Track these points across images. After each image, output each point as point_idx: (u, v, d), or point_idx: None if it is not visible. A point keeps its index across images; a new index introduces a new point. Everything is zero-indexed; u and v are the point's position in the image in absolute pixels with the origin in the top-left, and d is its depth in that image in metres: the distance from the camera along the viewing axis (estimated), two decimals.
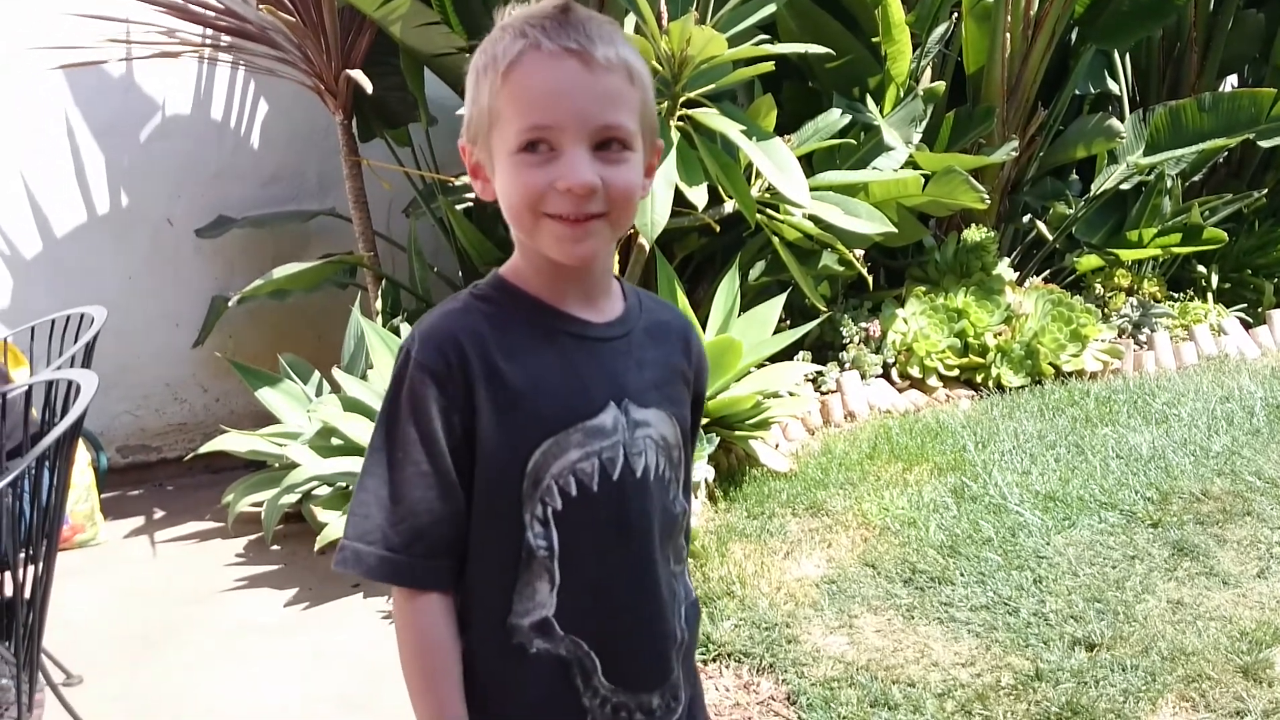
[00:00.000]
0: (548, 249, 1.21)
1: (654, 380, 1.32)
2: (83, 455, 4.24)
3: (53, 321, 3.32)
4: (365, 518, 1.23)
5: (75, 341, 3.12)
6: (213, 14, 4.52)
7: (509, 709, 1.27)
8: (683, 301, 4.33)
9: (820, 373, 4.81)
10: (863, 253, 4.81)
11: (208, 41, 4.74)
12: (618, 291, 1.34)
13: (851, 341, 4.96)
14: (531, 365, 1.23)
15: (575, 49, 1.17)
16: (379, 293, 4.73)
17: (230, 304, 4.67)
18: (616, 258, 4.53)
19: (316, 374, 4.49)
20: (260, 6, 4.23)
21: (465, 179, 4.94)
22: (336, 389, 4.14)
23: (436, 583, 1.23)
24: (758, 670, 2.87)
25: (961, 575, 3.22)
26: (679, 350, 1.39)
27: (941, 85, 5.19)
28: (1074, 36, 5.89)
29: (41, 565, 2.33)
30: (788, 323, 4.71)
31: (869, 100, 5.05)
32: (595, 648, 1.26)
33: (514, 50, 1.18)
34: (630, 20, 4.09)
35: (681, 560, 1.38)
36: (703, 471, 3.80)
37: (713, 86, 4.09)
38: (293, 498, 3.94)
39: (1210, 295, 6.05)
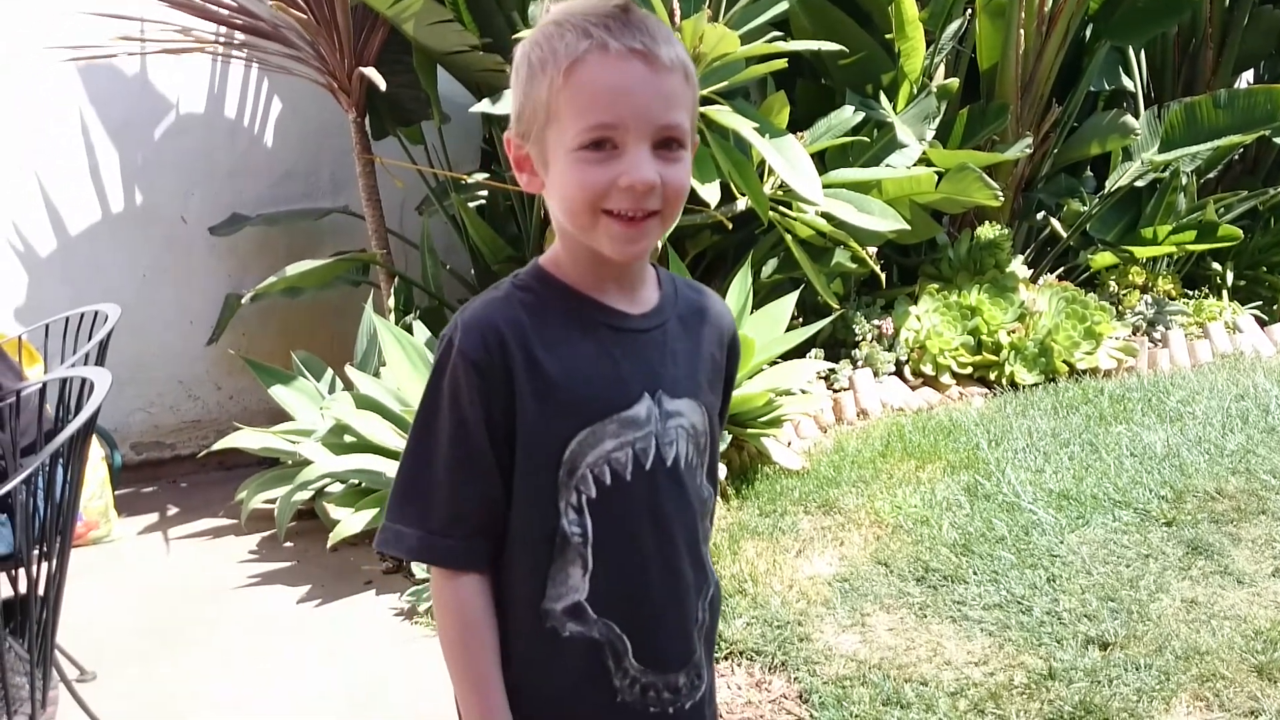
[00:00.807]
0: (603, 245, 1.23)
1: (687, 369, 1.35)
2: (97, 452, 4.26)
3: (66, 319, 3.34)
4: (406, 500, 1.28)
5: (89, 339, 3.14)
6: (226, 11, 4.53)
7: (544, 690, 1.30)
8: None
9: (833, 370, 4.80)
10: (876, 250, 4.80)
11: (221, 39, 4.75)
12: (654, 280, 1.37)
13: (864, 339, 4.95)
14: (569, 356, 1.26)
15: (640, 49, 1.18)
16: (392, 290, 4.74)
17: (244, 302, 4.68)
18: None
19: (330, 371, 4.50)
20: (273, 5, 4.24)
21: (478, 176, 4.99)
22: (349, 386, 4.15)
23: (474, 564, 1.27)
24: (770, 669, 2.87)
25: (974, 574, 3.21)
26: (713, 336, 1.41)
27: (955, 82, 5.17)
28: (1088, 33, 5.86)
29: (55, 562, 2.34)
30: (800, 320, 4.70)
31: (882, 97, 5.03)
32: (626, 630, 1.30)
33: (579, 49, 1.18)
34: None
35: (707, 541, 1.42)
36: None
37: (725, 84, 4.08)
38: (305, 495, 3.95)
39: (1225, 293, 6.02)
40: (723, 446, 3.83)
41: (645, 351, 1.31)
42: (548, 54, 1.21)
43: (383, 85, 4.06)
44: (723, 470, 3.88)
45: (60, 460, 2.25)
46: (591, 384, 1.27)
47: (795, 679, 2.80)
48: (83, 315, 3.30)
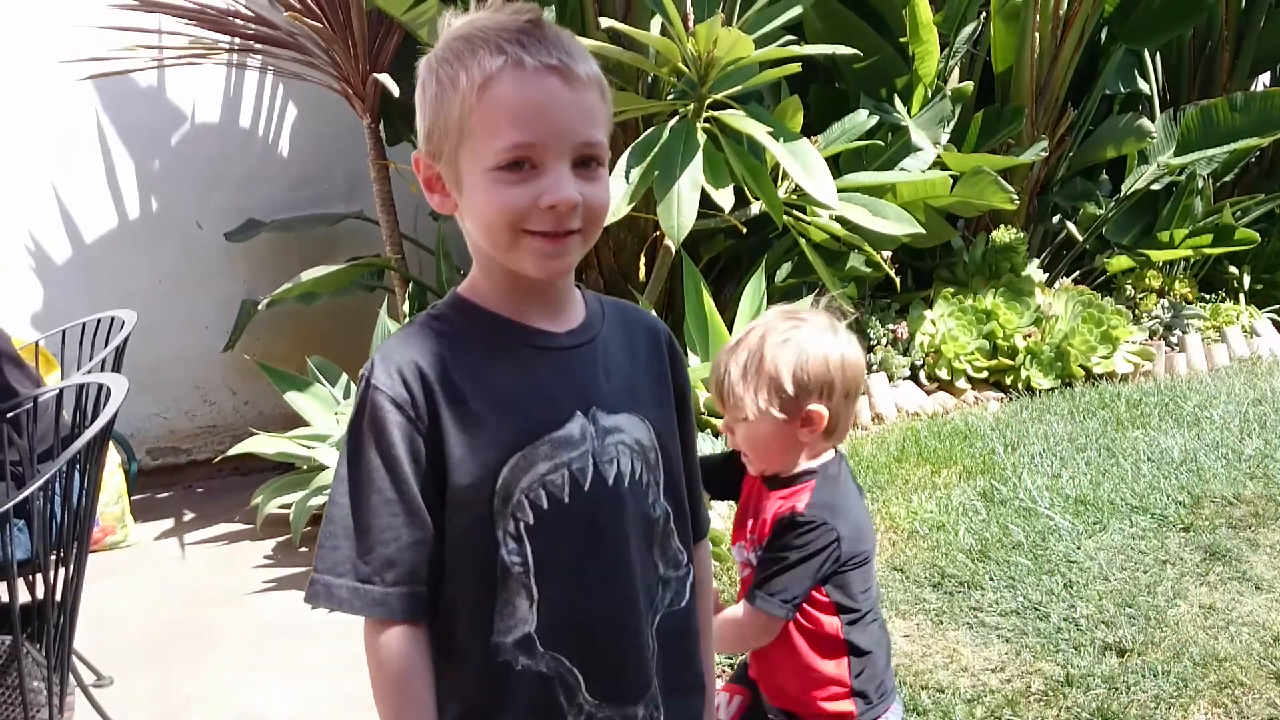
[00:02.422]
0: (525, 266, 1.20)
1: (624, 384, 1.31)
2: (113, 458, 4.27)
3: (83, 325, 3.35)
4: (334, 549, 1.21)
5: (106, 345, 3.15)
6: (241, 21, 4.54)
7: None
8: (709, 303, 4.32)
9: None
10: (890, 254, 4.79)
11: (236, 46, 4.77)
12: (579, 299, 1.33)
13: (879, 343, 4.94)
14: (493, 381, 1.23)
15: (557, 65, 1.16)
16: (406, 295, 4.75)
17: (259, 308, 4.69)
18: (643, 260, 4.53)
19: (344, 376, 4.50)
20: (287, 15, 4.26)
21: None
22: None
23: (409, 612, 1.21)
24: None
25: (991, 580, 3.19)
26: (650, 347, 1.38)
27: (970, 85, 5.16)
28: (1104, 35, 5.85)
29: (72, 568, 2.35)
30: None
31: (896, 101, 5.02)
32: (577, 663, 1.26)
33: (492, 66, 1.15)
34: (656, 22, 4.09)
35: (679, 564, 1.37)
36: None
37: (739, 88, 4.08)
38: (321, 499, 3.95)
39: (1242, 296, 5.99)
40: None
41: (574, 369, 1.28)
42: (458, 71, 1.17)
43: (396, 91, 4.07)
44: None
45: (77, 466, 2.26)
46: (518, 407, 1.23)
47: None
48: (99, 321, 3.32)
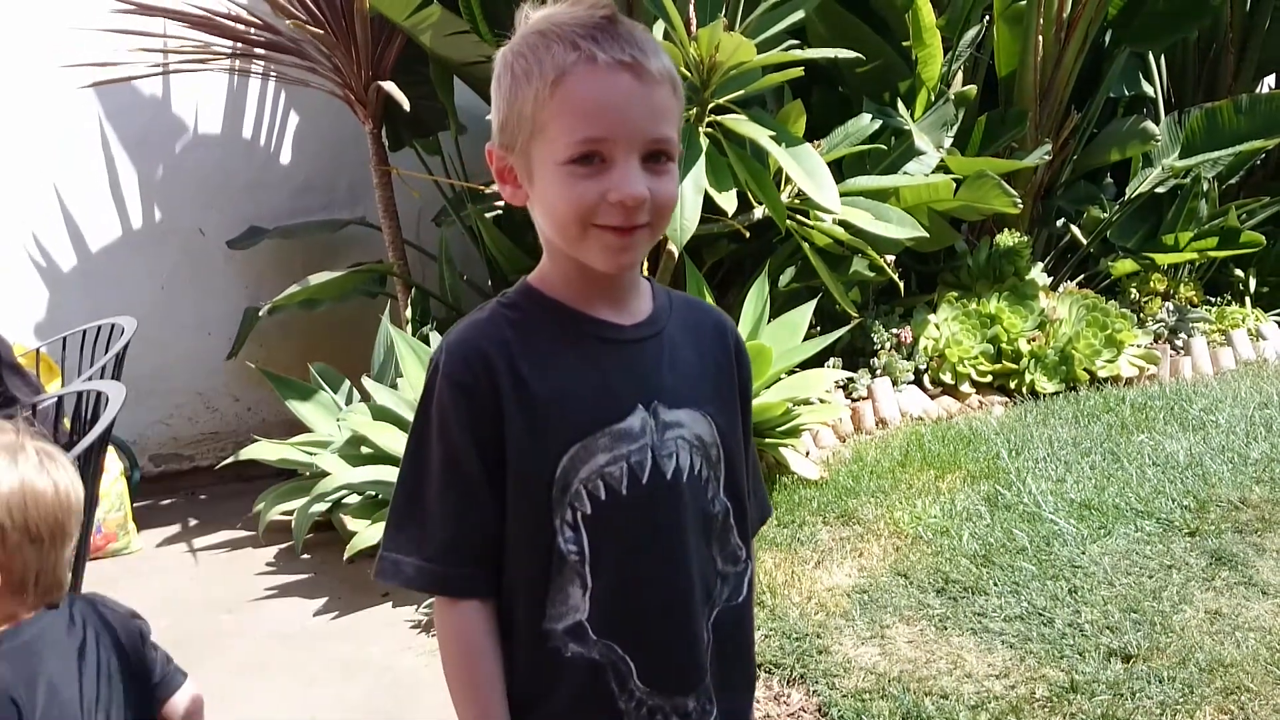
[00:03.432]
0: (593, 259, 1.21)
1: (688, 379, 1.31)
2: (116, 464, 4.27)
3: (84, 332, 3.35)
4: (400, 528, 1.26)
5: (106, 352, 3.14)
6: (244, 27, 4.54)
7: (548, 710, 1.27)
8: None
9: (851, 379, 4.77)
10: (894, 258, 4.77)
11: (239, 52, 4.77)
12: (647, 291, 1.34)
13: (883, 348, 4.92)
14: (558, 371, 1.24)
15: (630, 61, 1.17)
16: (408, 301, 4.74)
17: (261, 315, 4.69)
18: (646, 262, 4.51)
19: (347, 383, 4.50)
20: (289, 22, 4.25)
21: (495, 187, 4.97)
22: (366, 398, 4.15)
23: (474, 590, 1.25)
24: (788, 681, 2.84)
25: (995, 585, 3.17)
26: (717, 345, 1.38)
27: (973, 89, 5.15)
28: (1107, 38, 5.82)
29: (70, 577, 2.33)
30: (818, 329, 4.67)
31: (899, 105, 5.01)
32: (629, 651, 1.27)
33: (566, 61, 1.16)
34: (659, 26, 4.08)
35: (738, 560, 1.37)
36: None
37: (742, 92, 4.07)
38: (323, 506, 3.95)
39: (1248, 299, 5.96)
40: None
41: (638, 362, 1.29)
42: (533, 65, 1.19)
43: (406, 104, 4.06)
44: None
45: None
46: (579, 397, 1.25)
47: (814, 692, 2.78)
48: (99, 328, 3.32)
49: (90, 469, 2.41)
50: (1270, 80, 6.90)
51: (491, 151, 1.27)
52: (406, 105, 4.05)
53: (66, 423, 2.78)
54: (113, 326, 3.27)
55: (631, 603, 1.27)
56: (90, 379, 2.92)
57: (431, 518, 1.24)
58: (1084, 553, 3.33)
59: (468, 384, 1.22)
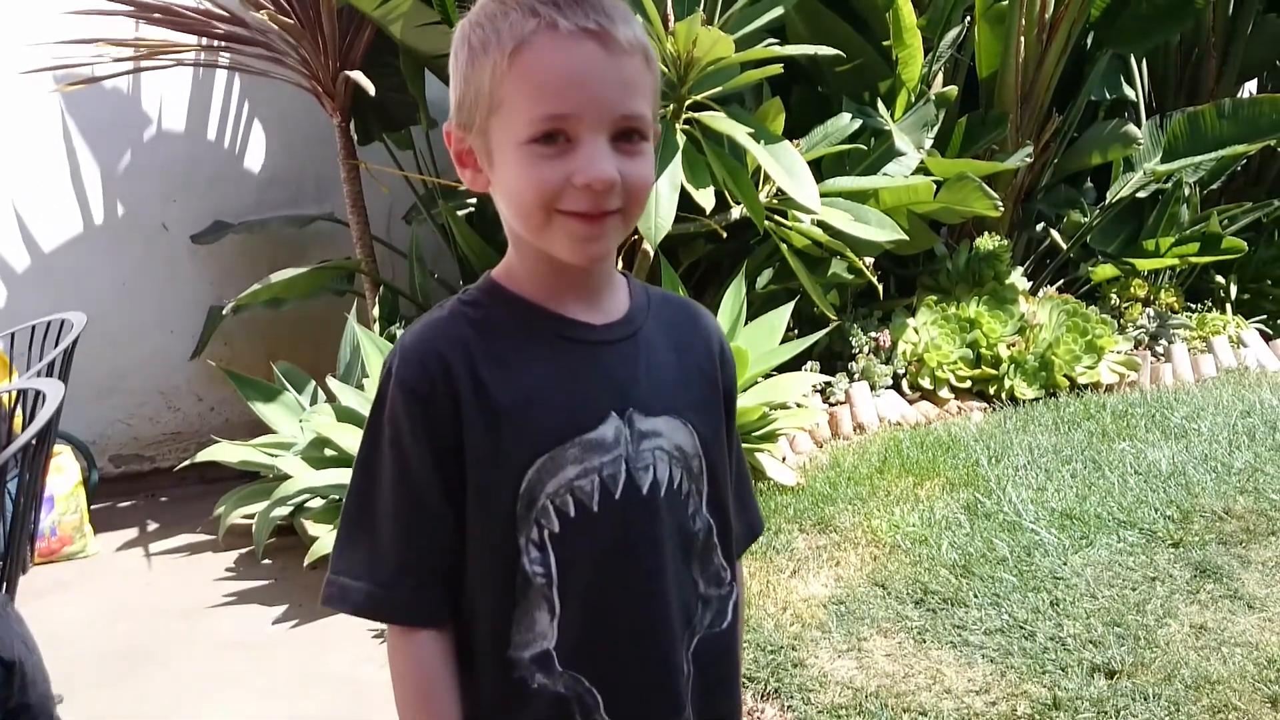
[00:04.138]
0: (559, 249, 1.11)
1: (667, 384, 1.21)
2: (73, 465, 4.15)
3: (33, 328, 3.23)
4: (350, 548, 1.16)
5: (56, 347, 3.02)
6: (209, 20, 4.41)
7: None
8: None
9: (829, 383, 4.69)
10: (873, 261, 4.70)
11: (203, 45, 4.64)
12: (623, 287, 1.24)
13: (861, 351, 4.84)
14: (523, 375, 1.14)
15: (595, 29, 1.06)
16: (376, 299, 4.63)
17: (225, 313, 4.57)
18: (620, 261, 4.42)
19: (312, 383, 4.38)
20: (258, 12, 4.14)
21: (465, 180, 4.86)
22: (331, 398, 4.03)
23: (429, 618, 1.15)
24: (763, 695, 2.74)
25: (975, 596, 3.09)
26: (700, 346, 1.28)
27: (954, 90, 5.07)
28: (1089, 41, 5.77)
29: (4, 584, 2.22)
30: (795, 332, 4.59)
31: (879, 105, 4.93)
32: (597, 682, 1.17)
33: (524, 29, 1.06)
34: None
35: (721, 582, 1.27)
36: None
37: (720, 89, 3.98)
38: (284, 510, 3.83)
39: (1229, 306, 5.91)
40: None
41: (612, 365, 1.18)
42: (490, 35, 1.09)
43: (371, 90, 3.95)
44: None
45: (10, 476, 2.13)
46: (547, 404, 1.14)
47: (789, 707, 2.68)
48: (49, 324, 3.20)
49: (30, 470, 2.29)
50: (1252, 85, 6.85)
51: (449, 132, 1.17)
52: (372, 90, 3.93)
53: (18, 422, 2.66)
54: (62, 322, 3.15)
55: (602, 630, 1.16)
56: (30, 377, 2.79)
57: (383, 537, 1.14)
58: (1066, 564, 3.25)
59: (423, 390, 1.11)
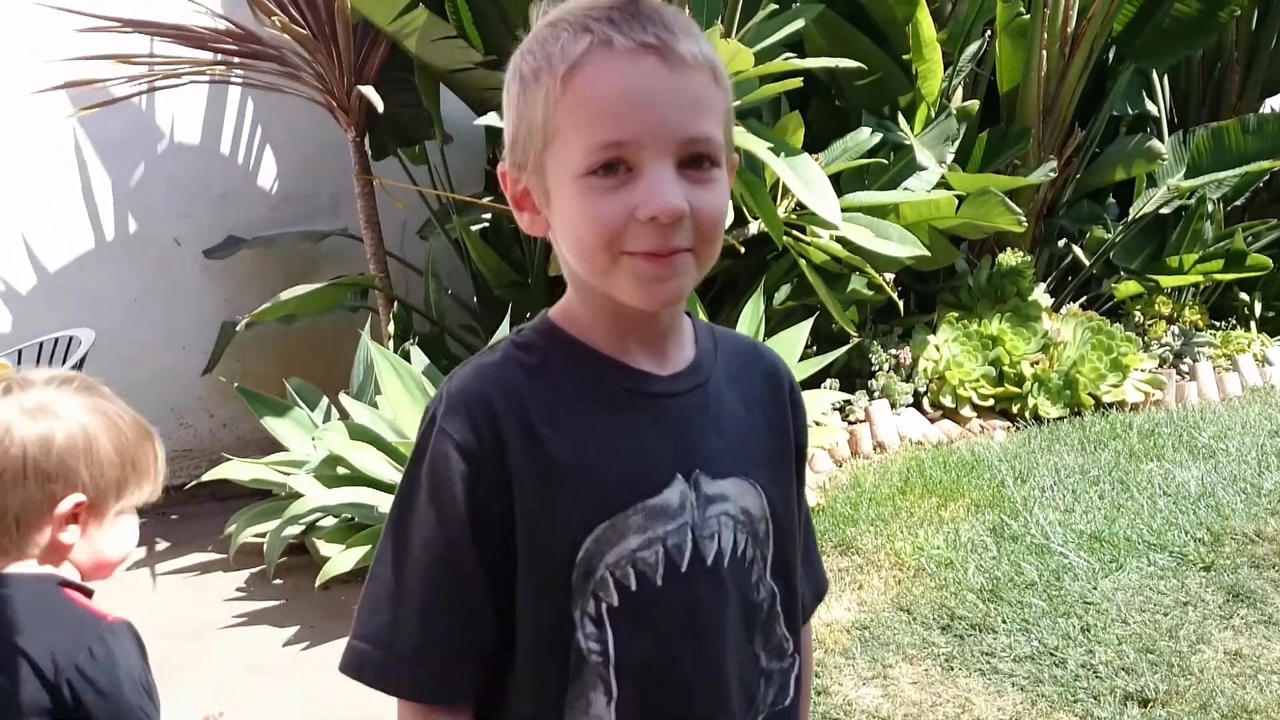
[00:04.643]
0: (626, 293, 1.00)
1: (734, 440, 1.10)
2: None
3: (40, 344, 3.18)
4: (374, 613, 1.05)
5: (64, 364, 2.98)
6: (223, 36, 4.37)
7: None
8: None
9: (848, 401, 4.61)
10: (893, 277, 4.63)
11: (217, 60, 4.60)
12: (688, 331, 1.13)
13: (881, 369, 4.76)
14: (581, 431, 1.04)
15: (654, 44, 0.96)
16: (390, 316, 4.57)
17: (238, 329, 4.52)
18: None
19: (325, 400, 4.33)
20: (273, 19, 4.10)
21: (484, 199, 4.84)
22: (345, 416, 3.97)
23: (452, 696, 1.05)
24: None
25: (1004, 622, 3.01)
26: (769, 395, 1.17)
27: (975, 104, 5.01)
28: (1111, 55, 5.70)
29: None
30: (814, 349, 4.53)
31: (899, 119, 4.87)
32: None
33: (577, 49, 0.96)
34: None
35: (784, 654, 1.15)
36: None
37: (738, 103, 3.92)
38: (296, 529, 3.77)
39: (1254, 324, 5.83)
40: None
41: (678, 421, 1.07)
42: (541, 61, 0.99)
43: (380, 106, 3.90)
44: None
45: None
46: (609, 465, 1.03)
47: None
48: (56, 340, 3.15)
49: None
50: (1276, 100, 6.76)
51: (504, 174, 1.06)
52: (381, 106, 3.88)
53: None
54: (70, 339, 3.11)
55: (661, 714, 1.06)
56: None
57: (409, 605, 1.03)
58: (1096, 588, 3.17)
59: (468, 443, 1.01)
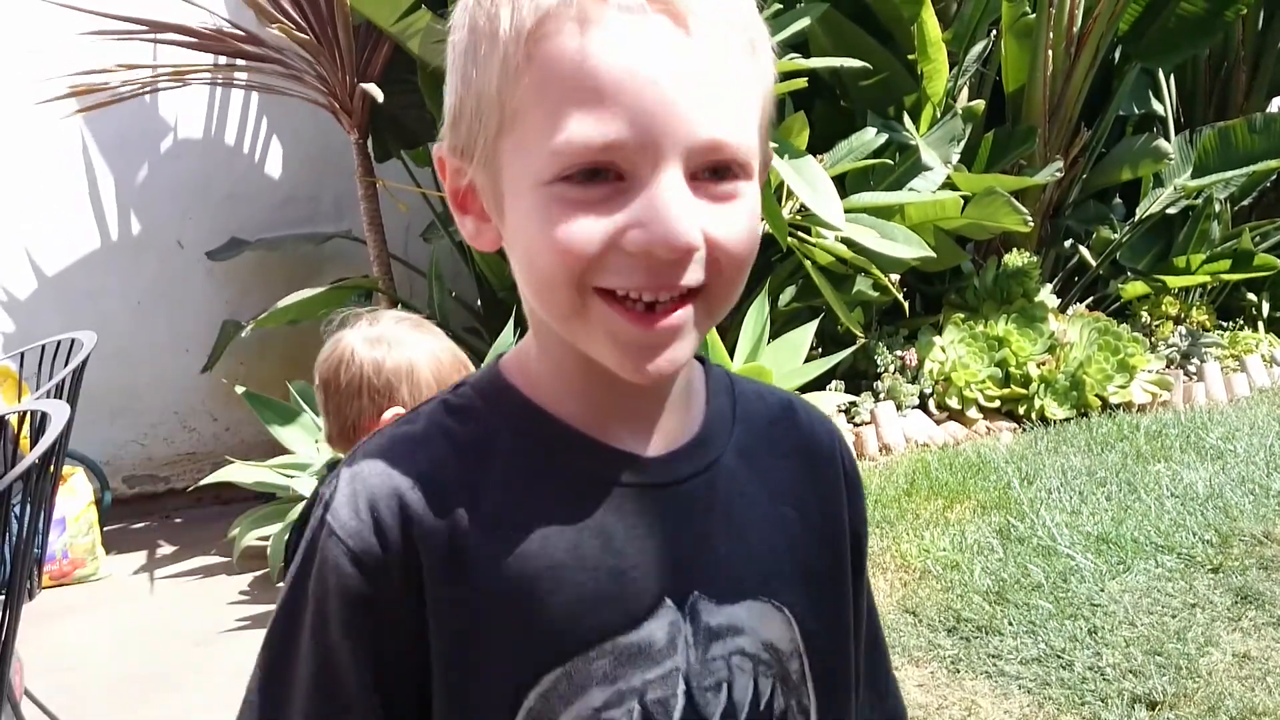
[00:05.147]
0: (600, 352, 0.72)
1: (754, 545, 0.80)
2: (85, 486, 4.09)
3: (43, 347, 3.17)
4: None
5: (66, 367, 2.97)
6: (226, 39, 4.37)
7: None
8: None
9: (854, 403, 4.59)
10: (898, 278, 4.61)
11: (221, 63, 4.59)
12: (696, 389, 0.82)
13: (886, 370, 4.74)
14: (529, 537, 0.74)
15: (663, 3, 0.67)
16: None
17: (244, 334, 4.51)
18: None
19: None
20: (274, 26, 4.09)
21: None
22: None
23: None
24: None
25: (1010, 624, 2.99)
26: (807, 476, 0.85)
27: (980, 104, 4.99)
28: (1117, 55, 5.68)
29: (8, 610, 2.15)
30: (820, 351, 4.51)
31: (905, 119, 4.85)
32: None
33: (549, 1, 0.67)
34: None
35: None
36: None
37: None
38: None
39: (1261, 324, 5.80)
40: None
41: (670, 521, 0.77)
42: (499, 11, 0.69)
43: (380, 97, 3.89)
44: None
45: (13, 500, 2.07)
46: (565, 586, 0.74)
47: None
48: (59, 343, 3.14)
49: (36, 493, 2.22)
50: None
51: (441, 160, 0.77)
52: (381, 98, 3.87)
53: (25, 444, 2.60)
54: (72, 341, 3.10)
55: None
56: (47, 395, 2.73)
57: None
58: (1103, 590, 3.15)
59: (367, 554, 0.72)
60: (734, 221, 0.70)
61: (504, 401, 0.78)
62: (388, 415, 1.74)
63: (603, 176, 0.67)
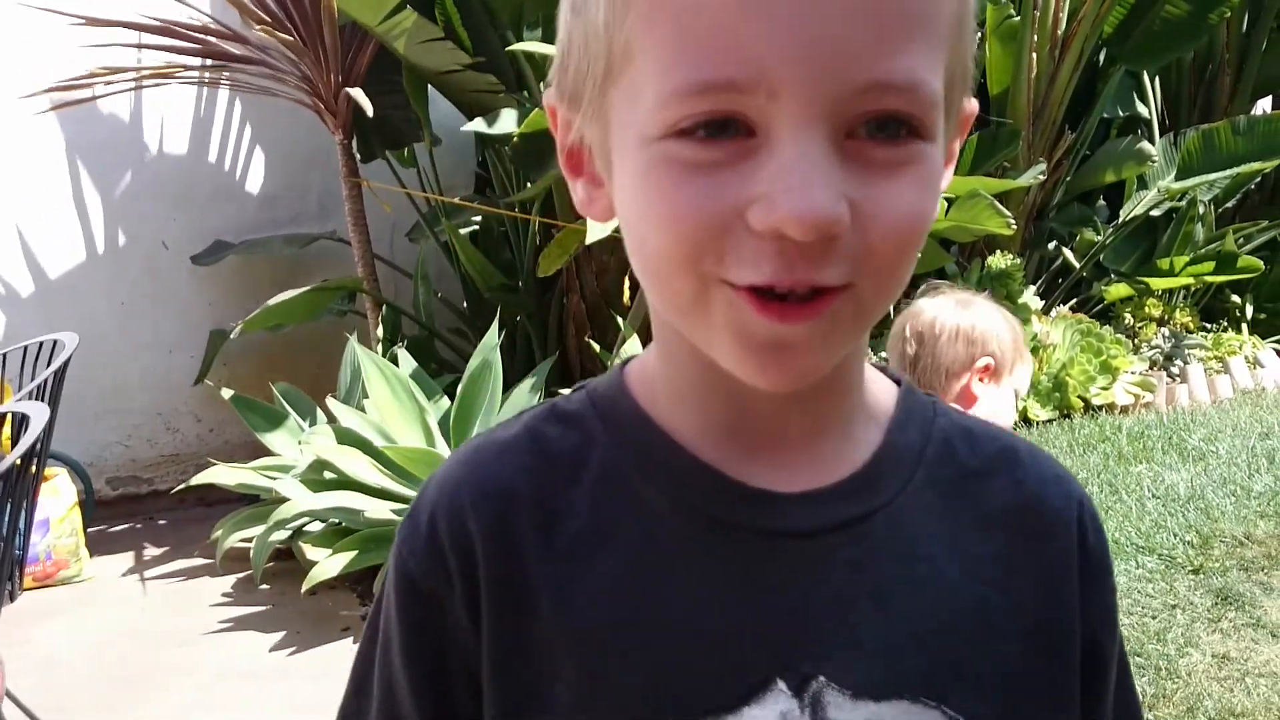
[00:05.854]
0: (722, 353, 0.57)
1: (921, 624, 0.62)
2: (69, 487, 4.08)
3: (25, 348, 3.16)
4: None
5: (48, 369, 2.96)
6: (210, 38, 4.35)
7: None
8: None
9: None
10: None
11: (205, 64, 4.58)
12: (874, 414, 0.66)
13: None
14: (606, 578, 0.62)
15: None
16: (379, 319, 4.56)
17: (232, 336, 4.51)
18: (627, 282, 4.34)
19: (314, 404, 4.31)
20: (257, 27, 4.08)
21: (473, 201, 4.82)
22: (332, 420, 3.96)
23: None
24: None
25: None
26: (1024, 548, 0.66)
27: None
28: (1102, 57, 5.70)
29: None
30: None
31: None
32: None
33: None
34: None
35: None
36: None
37: None
38: (283, 534, 3.76)
39: (1245, 326, 5.82)
40: None
41: (801, 582, 0.61)
42: None
43: (369, 108, 3.89)
44: None
45: None
46: (642, 643, 0.61)
47: None
48: (40, 344, 3.14)
49: (16, 494, 2.22)
50: (1267, 102, 6.77)
51: (552, 109, 0.64)
52: (370, 110, 3.87)
53: (7, 446, 2.59)
54: (54, 343, 3.09)
55: None
56: (30, 396, 2.73)
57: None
58: None
59: (423, 581, 0.64)
60: (898, 196, 0.53)
61: (615, 410, 0.65)
62: (980, 363, 1.96)
63: (729, 132, 0.52)
